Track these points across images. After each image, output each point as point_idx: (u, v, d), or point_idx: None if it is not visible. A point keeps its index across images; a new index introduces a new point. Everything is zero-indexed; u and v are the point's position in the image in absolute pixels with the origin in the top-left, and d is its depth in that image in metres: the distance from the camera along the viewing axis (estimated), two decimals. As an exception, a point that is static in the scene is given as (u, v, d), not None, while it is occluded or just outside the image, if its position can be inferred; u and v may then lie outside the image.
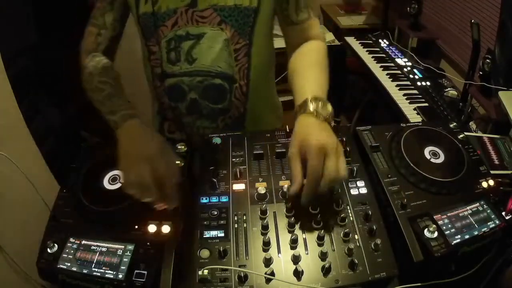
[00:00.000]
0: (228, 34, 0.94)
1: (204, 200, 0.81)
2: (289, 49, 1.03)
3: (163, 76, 1.01)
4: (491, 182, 0.86)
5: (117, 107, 0.85)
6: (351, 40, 2.39)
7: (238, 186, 0.84)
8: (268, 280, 0.69)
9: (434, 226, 0.73)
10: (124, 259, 0.72)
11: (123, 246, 0.74)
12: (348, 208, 0.80)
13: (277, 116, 1.22)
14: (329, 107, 0.79)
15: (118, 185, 0.83)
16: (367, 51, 2.24)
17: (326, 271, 0.70)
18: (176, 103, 1.04)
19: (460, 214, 0.78)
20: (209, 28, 0.93)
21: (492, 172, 0.91)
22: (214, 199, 0.81)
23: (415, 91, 1.84)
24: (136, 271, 0.71)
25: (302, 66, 0.94)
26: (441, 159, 0.88)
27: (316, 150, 0.70)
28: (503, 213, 0.81)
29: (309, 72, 0.92)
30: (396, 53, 2.20)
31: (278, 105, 1.23)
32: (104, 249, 0.74)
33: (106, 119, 0.86)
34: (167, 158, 0.77)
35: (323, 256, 0.72)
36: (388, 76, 1.97)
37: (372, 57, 2.17)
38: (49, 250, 0.75)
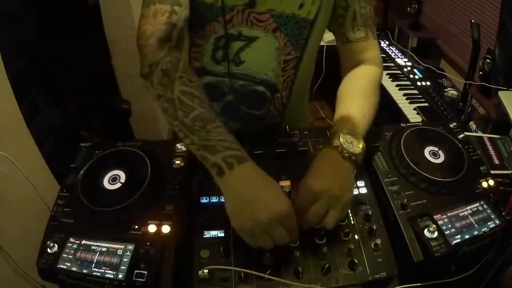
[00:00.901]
0: (281, 43, 0.90)
1: (204, 200, 0.81)
2: (343, 71, 0.97)
3: (201, 72, 0.95)
4: (491, 182, 0.86)
5: (217, 142, 0.68)
6: (351, 40, 2.38)
7: (238, 186, 0.83)
8: (268, 280, 0.69)
9: (434, 226, 0.73)
10: (124, 259, 0.72)
11: (123, 246, 0.74)
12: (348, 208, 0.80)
13: None
14: (360, 145, 0.73)
15: (118, 185, 0.83)
16: (367, 51, 2.24)
17: (326, 271, 0.70)
18: (210, 102, 0.96)
19: (460, 214, 0.78)
20: (263, 33, 0.89)
21: (492, 172, 0.91)
22: (214, 199, 0.81)
23: (415, 91, 1.84)
24: (136, 271, 0.71)
25: (347, 93, 0.88)
26: (441, 159, 0.88)
27: (306, 193, 0.68)
28: (503, 213, 0.81)
29: (353, 100, 0.84)
30: (396, 53, 2.20)
31: (310, 119, 1.20)
32: (104, 249, 0.74)
33: (190, 150, 0.71)
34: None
35: (323, 256, 0.72)
36: (388, 76, 1.98)
37: (372, 57, 2.17)
38: (49, 250, 0.75)
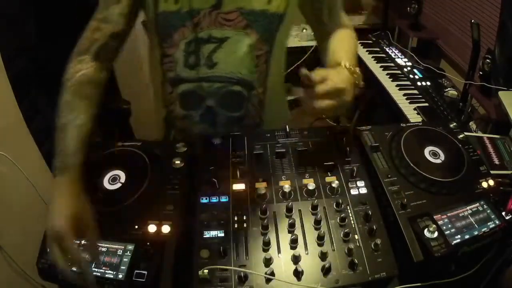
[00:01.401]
0: (253, 39, 0.90)
1: (204, 200, 0.81)
2: (319, 42, 1.05)
3: (176, 81, 0.95)
4: (491, 182, 0.86)
5: (60, 150, 0.77)
6: (351, 40, 2.39)
7: (238, 186, 0.83)
8: (268, 280, 0.69)
9: (434, 226, 0.73)
10: (124, 259, 0.72)
11: (123, 246, 0.74)
12: (348, 208, 0.80)
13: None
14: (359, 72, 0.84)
15: (118, 185, 0.83)
16: (367, 51, 2.24)
17: (326, 271, 0.70)
18: (188, 111, 0.99)
19: (460, 214, 0.78)
20: (234, 32, 0.88)
21: (492, 172, 0.91)
22: (214, 199, 0.81)
23: (415, 91, 1.84)
24: (136, 271, 0.71)
25: (337, 39, 0.98)
26: (441, 159, 0.88)
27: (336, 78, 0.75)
28: (503, 213, 0.81)
29: (345, 41, 0.96)
30: (396, 53, 2.20)
31: (289, 115, 1.19)
32: (104, 249, 0.74)
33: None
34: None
35: (323, 256, 0.72)
36: (388, 76, 1.98)
37: (372, 57, 2.17)
38: (49, 250, 0.75)
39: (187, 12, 0.85)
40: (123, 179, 0.84)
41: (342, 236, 0.75)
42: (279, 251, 0.73)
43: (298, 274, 0.69)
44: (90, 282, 0.70)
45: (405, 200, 0.78)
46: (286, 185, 0.82)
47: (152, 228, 0.76)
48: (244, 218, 0.78)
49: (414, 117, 1.65)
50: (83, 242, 0.73)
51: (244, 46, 0.90)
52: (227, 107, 0.98)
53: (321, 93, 0.72)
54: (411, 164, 0.84)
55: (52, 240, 0.70)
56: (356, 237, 0.75)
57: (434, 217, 0.76)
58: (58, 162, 0.76)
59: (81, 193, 0.76)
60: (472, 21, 1.49)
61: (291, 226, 0.76)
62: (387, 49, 2.24)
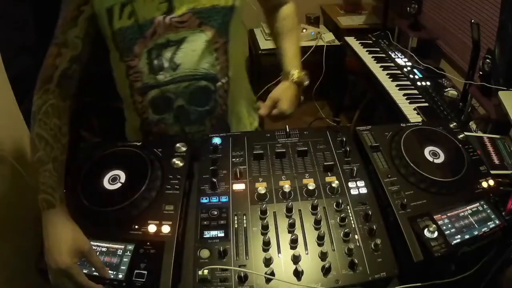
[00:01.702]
0: (209, 35, 0.94)
1: (204, 200, 0.81)
2: (265, 13, 1.18)
3: (144, 89, 0.99)
4: (491, 182, 0.86)
5: (41, 184, 0.78)
6: (351, 40, 2.39)
7: (238, 186, 0.84)
8: (268, 280, 0.69)
9: (434, 226, 0.73)
10: (124, 259, 0.72)
11: (123, 246, 0.74)
12: (348, 208, 0.80)
13: (254, 109, 1.23)
14: (306, 74, 1.07)
15: (118, 185, 0.83)
16: (367, 51, 2.24)
17: (326, 271, 0.70)
18: (161, 114, 1.02)
19: (460, 214, 0.78)
20: (190, 32, 0.93)
21: (492, 172, 0.91)
22: (214, 199, 0.81)
23: (415, 91, 1.83)
24: (136, 271, 0.71)
25: (283, 32, 1.12)
26: (441, 159, 0.88)
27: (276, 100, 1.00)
28: (503, 213, 0.81)
29: (290, 39, 1.11)
30: (396, 53, 2.20)
31: (254, 99, 1.24)
32: (104, 249, 0.74)
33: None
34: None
35: (323, 256, 0.72)
36: (388, 76, 1.97)
37: (372, 57, 2.17)
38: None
39: (142, 24, 0.89)
40: (123, 179, 0.84)
41: (342, 236, 0.75)
42: (279, 251, 0.73)
43: (298, 274, 0.69)
44: None
45: (405, 200, 0.78)
46: (286, 185, 0.82)
47: (152, 228, 0.76)
48: (244, 218, 0.78)
49: (414, 117, 1.65)
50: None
51: (201, 43, 0.94)
52: (197, 103, 1.01)
53: (272, 119, 1.00)
54: (411, 164, 0.84)
55: (62, 276, 0.71)
56: (356, 237, 0.75)
57: (434, 217, 0.76)
58: (42, 196, 0.77)
59: (72, 223, 0.76)
60: (472, 21, 1.49)
61: (291, 226, 0.76)
62: (387, 49, 2.24)
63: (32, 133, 0.82)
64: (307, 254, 0.73)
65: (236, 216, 0.78)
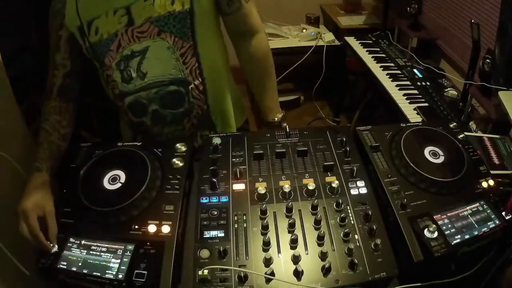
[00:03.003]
0: (169, 42, 0.97)
1: (204, 200, 0.81)
2: (231, 38, 1.12)
3: (121, 96, 1.04)
4: (491, 182, 0.86)
5: (35, 157, 0.91)
6: (351, 40, 2.38)
7: (238, 186, 0.84)
8: (268, 280, 0.69)
9: (434, 226, 0.73)
10: (124, 259, 0.72)
11: (123, 246, 0.74)
12: (348, 208, 0.80)
13: (240, 107, 1.26)
14: (284, 117, 1.17)
15: (118, 185, 0.83)
16: (367, 51, 2.24)
17: (326, 271, 0.70)
18: (140, 118, 1.07)
19: (460, 214, 0.78)
20: (151, 41, 0.96)
21: (492, 172, 0.91)
22: (214, 199, 0.81)
23: (415, 91, 1.83)
24: (136, 271, 0.71)
25: (257, 78, 1.15)
26: (441, 159, 0.88)
27: None
28: (503, 213, 0.81)
29: (266, 85, 1.15)
30: (396, 53, 2.20)
31: (239, 95, 1.26)
32: (104, 249, 0.74)
33: None
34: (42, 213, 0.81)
35: (323, 256, 0.72)
36: (388, 76, 1.97)
37: (372, 57, 2.17)
38: (51, 250, 0.75)
39: (107, 39, 0.95)
40: (123, 179, 0.84)
41: (342, 236, 0.75)
42: (279, 251, 0.73)
43: (298, 274, 0.69)
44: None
45: (405, 200, 0.78)
46: (286, 185, 0.82)
47: (152, 228, 0.76)
48: (244, 218, 0.78)
49: (414, 117, 1.65)
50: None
51: (164, 50, 0.98)
52: (170, 107, 1.05)
53: None
54: (411, 164, 0.84)
55: (21, 220, 0.81)
56: (356, 237, 0.75)
57: (434, 217, 0.76)
58: (33, 164, 0.90)
59: (49, 190, 0.86)
60: (472, 21, 1.49)
61: (291, 226, 0.76)
62: (387, 49, 2.24)
63: (40, 129, 0.97)
64: (307, 254, 0.73)
65: (236, 216, 0.78)
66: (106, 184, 0.83)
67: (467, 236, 0.75)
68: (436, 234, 0.73)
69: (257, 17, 1.09)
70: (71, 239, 0.76)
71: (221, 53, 1.10)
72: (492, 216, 0.78)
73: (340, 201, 0.79)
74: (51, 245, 0.77)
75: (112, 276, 0.71)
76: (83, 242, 0.76)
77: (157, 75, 1.00)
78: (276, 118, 1.16)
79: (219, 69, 1.11)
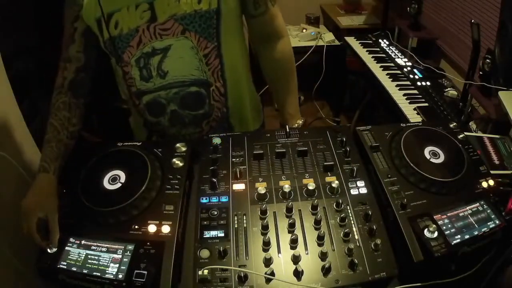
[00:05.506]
0: (194, 41, 0.94)
1: (204, 200, 0.81)
2: (253, 41, 1.11)
3: (139, 94, 1.02)
4: (491, 182, 0.86)
5: (43, 155, 0.89)
6: (351, 40, 2.39)
7: (238, 186, 0.84)
8: (268, 280, 0.69)
9: (434, 226, 0.73)
10: (124, 259, 0.72)
11: (123, 246, 0.74)
12: (348, 208, 0.80)
13: (258, 110, 1.24)
14: (302, 122, 1.14)
15: (118, 185, 0.83)
16: (367, 51, 2.24)
17: (326, 271, 0.70)
18: (157, 117, 1.05)
19: (460, 214, 0.78)
20: (174, 39, 0.93)
21: (492, 172, 0.91)
22: (214, 199, 0.81)
23: (415, 91, 1.83)
24: (136, 271, 0.71)
25: (279, 79, 1.13)
26: (441, 159, 0.88)
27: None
28: (503, 213, 0.81)
29: (287, 87, 1.13)
30: (396, 53, 2.20)
31: (258, 99, 1.24)
32: (104, 249, 0.74)
33: None
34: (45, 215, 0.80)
35: (323, 256, 0.72)
36: (388, 76, 1.97)
37: (372, 57, 2.17)
38: (49, 250, 0.75)
39: (127, 33, 0.92)
40: (123, 179, 0.84)
41: (342, 236, 0.75)
42: (279, 251, 0.73)
43: (298, 274, 0.69)
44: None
45: (405, 200, 0.78)
46: (286, 185, 0.82)
47: (152, 228, 0.76)
48: (244, 218, 0.78)
49: (414, 117, 1.65)
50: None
51: (187, 50, 0.95)
52: (190, 108, 1.03)
53: None
54: (411, 164, 0.84)
55: (22, 219, 0.80)
56: (356, 237, 0.75)
57: (434, 217, 0.76)
58: (40, 164, 0.87)
59: (54, 191, 0.84)
60: (472, 21, 1.49)
61: (291, 226, 0.76)
62: (387, 49, 2.24)
63: (48, 123, 0.94)
64: (307, 254, 0.73)
65: (236, 216, 0.78)
66: (106, 184, 0.83)
67: (467, 236, 0.75)
68: (436, 234, 0.73)
69: (282, 21, 1.07)
70: (71, 239, 0.76)
71: (242, 55, 1.08)
72: (492, 216, 0.78)
73: (340, 201, 0.79)
74: (50, 245, 0.76)
75: (112, 276, 0.71)
76: (83, 242, 0.76)
77: (178, 75, 0.97)
78: (296, 125, 1.13)
79: (240, 71, 1.09)
